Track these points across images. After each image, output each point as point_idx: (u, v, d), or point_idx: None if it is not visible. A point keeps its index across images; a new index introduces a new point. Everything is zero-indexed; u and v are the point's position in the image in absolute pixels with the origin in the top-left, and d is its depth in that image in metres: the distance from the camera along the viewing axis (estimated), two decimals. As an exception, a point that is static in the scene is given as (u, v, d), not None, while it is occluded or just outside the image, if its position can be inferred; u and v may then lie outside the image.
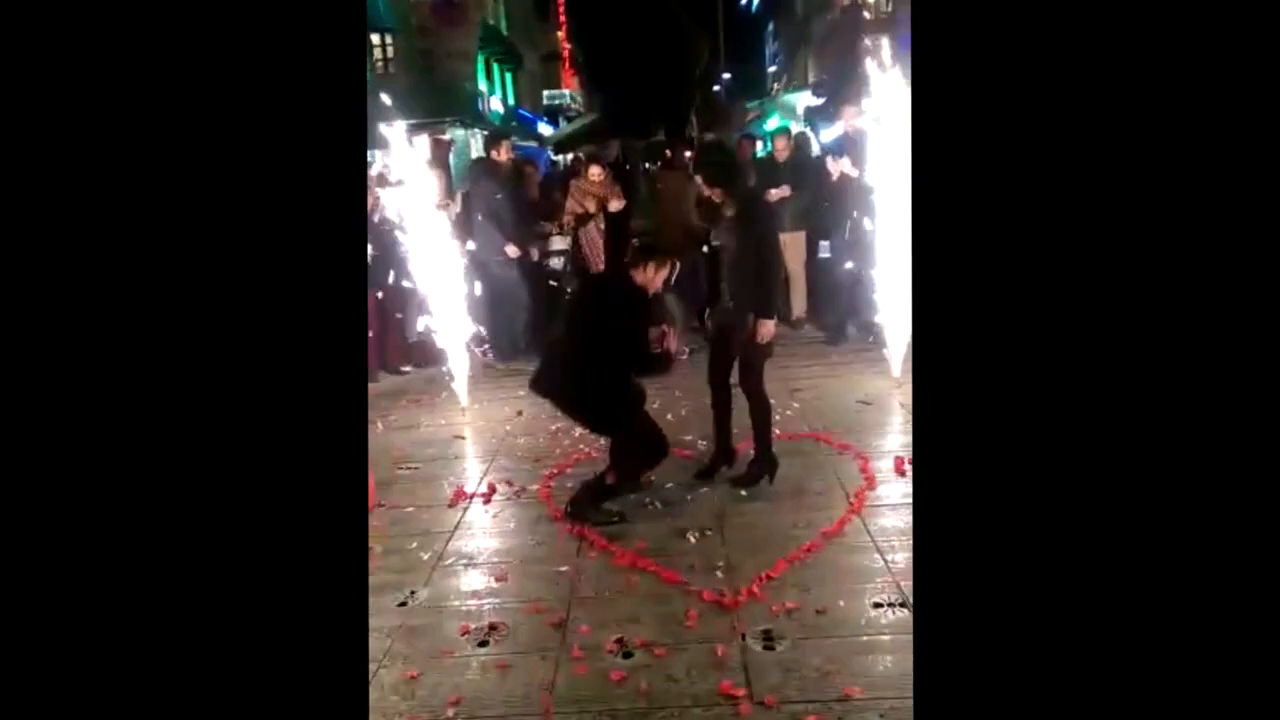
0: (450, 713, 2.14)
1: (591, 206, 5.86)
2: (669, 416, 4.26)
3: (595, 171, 6.06)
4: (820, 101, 14.94)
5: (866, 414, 4.36)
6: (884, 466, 3.59)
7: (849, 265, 5.12)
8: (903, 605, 2.49)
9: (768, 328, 3.33)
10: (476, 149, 14.14)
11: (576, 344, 3.28)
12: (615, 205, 5.89)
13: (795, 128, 12.69)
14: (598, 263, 5.79)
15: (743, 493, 3.43)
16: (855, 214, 5.28)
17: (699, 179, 3.56)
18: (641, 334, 3.38)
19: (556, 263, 6.20)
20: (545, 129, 22.45)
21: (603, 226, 5.95)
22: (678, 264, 5.94)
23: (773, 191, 5.57)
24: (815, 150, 7.27)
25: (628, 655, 2.34)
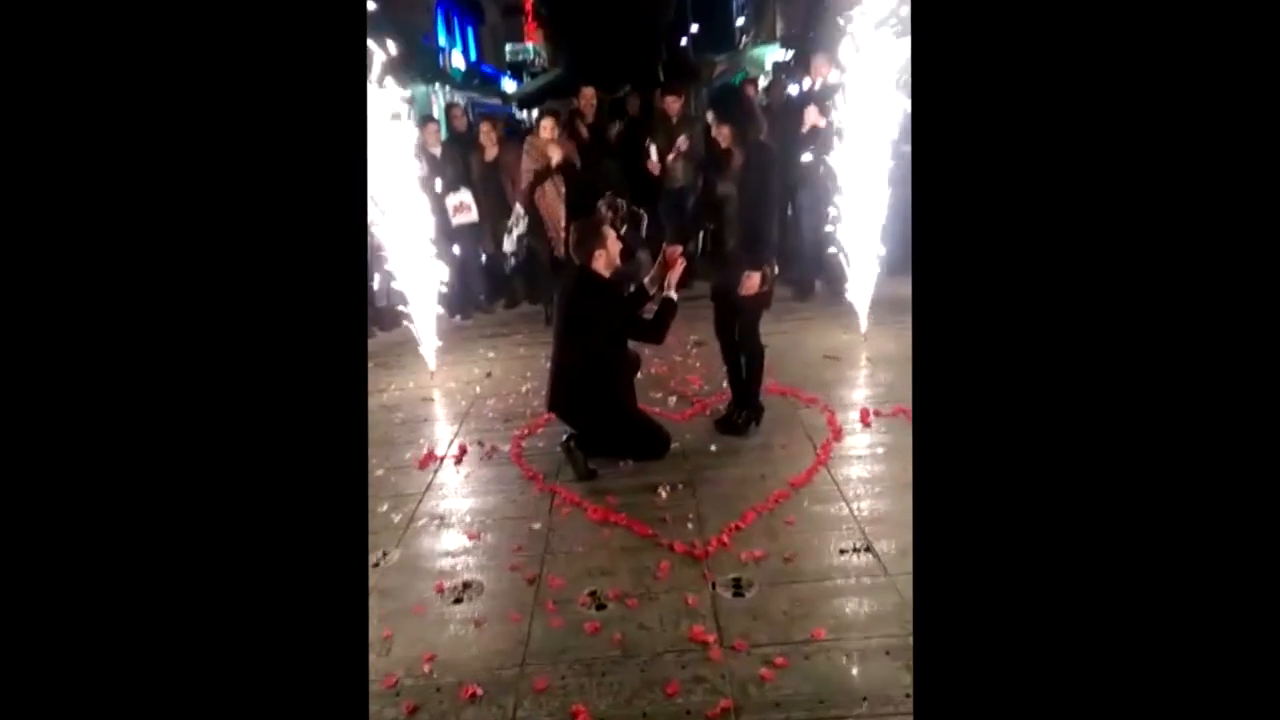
0: (426, 668, 2.17)
1: (555, 158, 5.50)
2: (639, 376, 4.26)
3: (546, 126, 5.66)
4: (789, 56, 14.78)
5: (833, 368, 4.42)
6: (850, 419, 3.66)
7: (833, 208, 5.07)
8: (867, 550, 2.56)
9: (752, 280, 3.33)
10: (438, 108, 13.82)
11: (586, 370, 3.36)
12: (557, 158, 5.49)
13: (763, 81, 12.55)
14: (558, 229, 5.48)
15: (712, 447, 3.48)
16: (822, 169, 5.26)
17: (709, 117, 3.42)
18: (635, 314, 3.44)
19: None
20: (509, 85, 22.00)
21: (562, 190, 5.59)
22: (645, 215, 5.85)
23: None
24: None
25: (601, 607, 2.38)
